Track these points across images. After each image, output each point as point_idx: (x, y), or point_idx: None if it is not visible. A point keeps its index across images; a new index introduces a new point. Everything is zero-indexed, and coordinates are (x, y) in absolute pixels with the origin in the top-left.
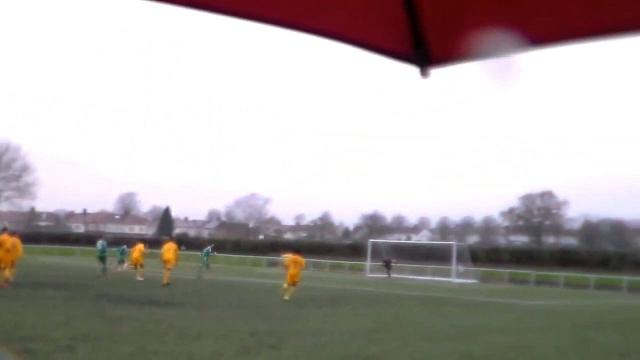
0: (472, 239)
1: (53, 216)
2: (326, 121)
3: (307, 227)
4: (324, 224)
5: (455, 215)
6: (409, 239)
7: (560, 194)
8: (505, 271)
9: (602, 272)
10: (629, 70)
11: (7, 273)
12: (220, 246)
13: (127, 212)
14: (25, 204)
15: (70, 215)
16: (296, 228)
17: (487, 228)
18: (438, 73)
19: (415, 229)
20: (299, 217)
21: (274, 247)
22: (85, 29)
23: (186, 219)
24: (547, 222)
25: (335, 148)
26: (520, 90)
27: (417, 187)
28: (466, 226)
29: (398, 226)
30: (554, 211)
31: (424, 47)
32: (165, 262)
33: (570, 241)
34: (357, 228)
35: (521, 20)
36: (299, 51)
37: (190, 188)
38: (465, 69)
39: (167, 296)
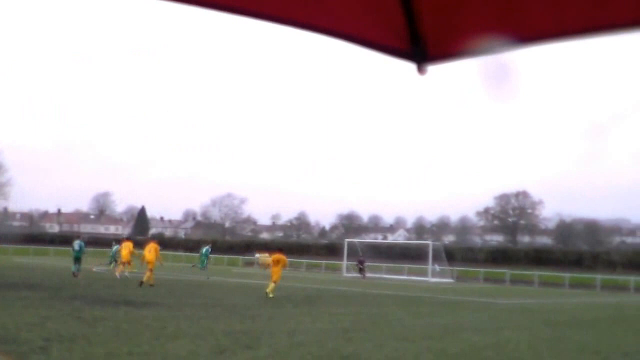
0: (448, 239)
1: (27, 216)
2: (303, 121)
3: (283, 227)
4: (300, 223)
5: (431, 215)
6: (385, 238)
7: (535, 193)
8: (481, 270)
9: (576, 271)
10: (604, 68)
11: None
12: (195, 246)
13: (102, 211)
14: None
15: (45, 215)
16: (272, 228)
17: (463, 227)
18: (434, 70)
19: (392, 228)
20: (275, 217)
21: (250, 246)
22: (60, 20)
23: (162, 218)
24: (522, 222)
25: (312, 148)
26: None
27: (393, 187)
28: (442, 226)
29: (374, 226)
30: (529, 211)
31: (421, 44)
32: (148, 262)
33: (545, 240)
34: (334, 227)
35: (518, 17)
36: (279, 47)
37: (166, 188)
38: (441, 69)
39: (142, 296)
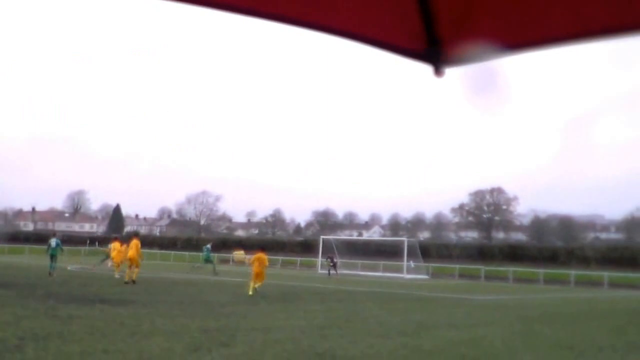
0: (423, 235)
1: (1, 214)
2: (278, 118)
3: (258, 224)
4: (276, 220)
5: (407, 212)
6: (360, 235)
7: (510, 190)
8: (456, 267)
9: (550, 267)
10: (578, 65)
11: None
12: (171, 244)
13: (76, 209)
14: None
15: (19, 213)
16: (248, 225)
17: (438, 224)
18: (450, 72)
19: (367, 225)
20: (250, 214)
21: (226, 244)
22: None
23: (137, 216)
24: (496, 218)
25: (287, 144)
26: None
27: (368, 184)
28: (417, 222)
29: (349, 222)
30: (504, 207)
31: (438, 46)
32: (130, 260)
33: (519, 237)
34: (309, 224)
35: (536, 19)
36: (274, 44)
37: (141, 185)
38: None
39: (117, 294)
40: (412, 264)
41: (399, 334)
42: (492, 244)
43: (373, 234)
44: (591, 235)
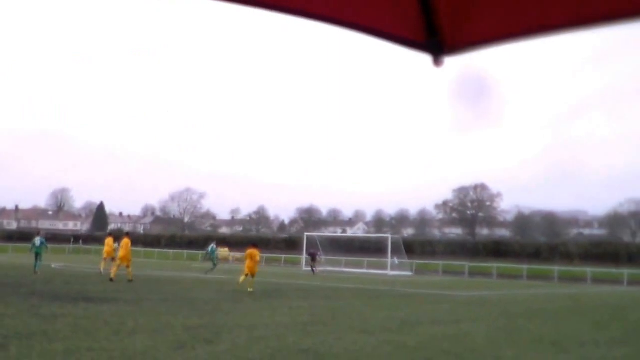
0: (407, 232)
1: None
2: (262, 114)
3: (242, 221)
4: (260, 218)
5: (391, 209)
6: (344, 232)
7: (494, 186)
8: (440, 263)
9: (534, 263)
10: (562, 61)
11: None
12: (155, 241)
13: (60, 208)
14: None
15: (2, 212)
16: (232, 222)
17: (422, 221)
18: (450, 62)
19: (351, 222)
20: (234, 211)
21: (210, 241)
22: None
23: (121, 214)
24: (480, 215)
25: (270, 141)
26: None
27: (352, 181)
28: (401, 219)
29: (334, 220)
30: (488, 203)
31: (438, 35)
32: (121, 259)
33: (503, 233)
34: (293, 222)
35: (536, 6)
36: (267, 35)
37: (125, 183)
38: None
39: (101, 292)
40: (396, 260)
41: (383, 331)
42: (475, 241)
43: (357, 231)
44: (574, 231)
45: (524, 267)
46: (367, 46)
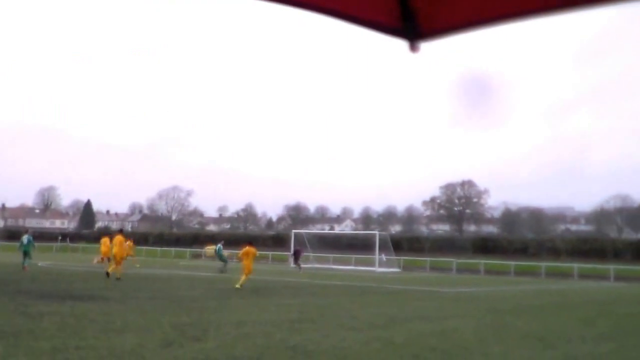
0: (395, 229)
1: None
2: (249, 110)
3: (230, 219)
4: (248, 215)
5: (378, 205)
6: (332, 229)
7: (481, 182)
8: (427, 259)
9: (521, 259)
10: (549, 56)
11: None
12: (142, 239)
13: (47, 206)
14: None
15: None
16: (219, 220)
17: (409, 217)
18: (426, 47)
19: (339, 219)
20: (222, 209)
21: (197, 239)
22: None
23: (108, 212)
24: (468, 211)
25: (258, 138)
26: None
27: (340, 178)
28: (389, 216)
29: (321, 216)
30: (475, 200)
31: (413, 20)
32: (115, 256)
33: (490, 229)
34: (281, 219)
35: None
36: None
37: (112, 181)
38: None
39: (88, 290)
40: (383, 257)
41: (370, 327)
42: (463, 237)
43: (345, 228)
44: (561, 227)
45: (511, 263)
46: (355, 41)
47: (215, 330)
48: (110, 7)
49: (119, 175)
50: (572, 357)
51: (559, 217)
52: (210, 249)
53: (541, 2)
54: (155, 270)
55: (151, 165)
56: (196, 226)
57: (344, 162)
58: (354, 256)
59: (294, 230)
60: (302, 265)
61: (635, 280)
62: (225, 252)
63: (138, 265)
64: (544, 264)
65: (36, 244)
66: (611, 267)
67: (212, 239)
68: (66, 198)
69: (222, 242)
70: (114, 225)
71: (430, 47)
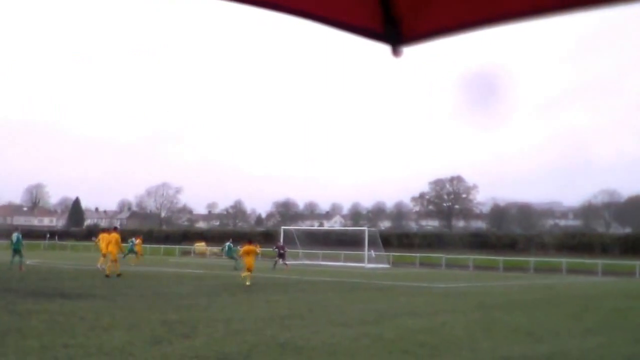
0: (384, 225)
1: None
2: (238, 106)
3: (219, 216)
4: (237, 212)
5: (367, 201)
6: (321, 225)
7: (469, 178)
8: (417, 255)
9: (510, 254)
10: (539, 51)
11: None
12: (131, 236)
13: (35, 203)
14: None
15: None
16: (208, 217)
17: (399, 213)
18: (409, 51)
19: (328, 215)
20: (211, 206)
21: (187, 236)
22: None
23: (97, 209)
24: (456, 207)
25: (245, 135)
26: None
27: (329, 174)
28: (378, 212)
29: (310, 213)
30: (464, 195)
31: (396, 25)
32: (110, 253)
33: (479, 225)
34: (270, 215)
35: None
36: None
37: (101, 178)
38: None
39: (77, 288)
40: (373, 253)
41: (360, 323)
42: (452, 233)
43: (334, 224)
44: (550, 222)
45: (500, 258)
46: (342, 39)
47: (205, 327)
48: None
49: (108, 172)
50: (560, 351)
51: (547, 212)
52: (199, 245)
53: (523, 6)
54: (144, 267)
55: (140, 162)
56: (185, 223)
57: (333, 159)
58: (343, 252)
59: (283, 227)
60: (285, 262)
61: (623, 274)
62: (215, 249)
63: (133, 264)
64: (532, 259)
65: (24, 242)
66: (599, 262)
67: (201, 235)
68: (54, 196)
69: (231, 240)
70: (103, 223)
71: (418, 47)
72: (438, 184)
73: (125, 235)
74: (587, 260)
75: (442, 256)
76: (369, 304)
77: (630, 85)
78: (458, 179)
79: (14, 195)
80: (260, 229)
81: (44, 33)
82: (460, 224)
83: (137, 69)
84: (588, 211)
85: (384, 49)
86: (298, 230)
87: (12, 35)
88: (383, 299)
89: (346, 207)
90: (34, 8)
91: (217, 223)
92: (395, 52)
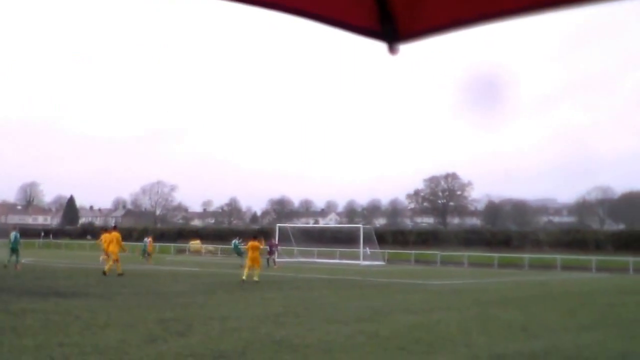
0: (379, 222)
1: None
2: (234, 102)
3: (214, 213)
4: (232, 209)
5: (362, 199)
6: (316, 222)
7: (464, 175)
8: (412, 252)
9: (504, 251)
10: (533, 48)
11: None
12: (126, 234)
13: (29, 202)
14: None
15: None
16: (204, 214)
17: (394, 210)
18: (405, 49)
19: (323, 212)
20: (206, 204)
21: (182, 234)
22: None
23: (91, 207)
24: (451, 204)
25: (240, 132)
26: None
27: (324, 171)
28: (373, 209)
29: (306, 210)
30: (458, 192)
31: (392, 23)
32: (111, 253)
33: (474, 222)
34: (265, 213)
35: None
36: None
37: (95, 176)
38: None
39: (71, 287)
40: (368, 250)
41: (355, 321)
42: (447, 230)
43: (329, 221)
44: (544, 219)
45: (495, 255)
46: (338, 38)
47: (200, 325)
48: None
49: (102, 170)
50: (555, 347)
51: (542, 209)
52: (194, 243)
53: (519, 2)
54: (139, 266)
55: (135, 160)
56: (180, 221)
57: (328, 156)
58: (338, 250)
59: (278, 224)
60: (274, 260)
61: (617, 270)
62: (210, 247)
63: (149, 263)
64: (527, 256)
65: (21, 241)
66: (593, 258)
67: (196, 233)
68: (49, 194)
69: (238, 237)
70: (98, 221)
71: (414, 44)
72: (433, 181)
73: (123, 233)
74: (582, 257)
75: (437, 253)
76: (364, 301)
77: (624, 82)
78: (453, 176)
79: (8, 193)
80: (256, 226)
81: (28, 26)
82: (455, 220)
83: (132, 68)
84: (582, 208)
85: (381, 46)
86: (293, 227)
87: (11, 36)
88: (378, 296)
89: (341, 205)
90: (34, 8)
91: (212, 221)
92: (392, 49)
